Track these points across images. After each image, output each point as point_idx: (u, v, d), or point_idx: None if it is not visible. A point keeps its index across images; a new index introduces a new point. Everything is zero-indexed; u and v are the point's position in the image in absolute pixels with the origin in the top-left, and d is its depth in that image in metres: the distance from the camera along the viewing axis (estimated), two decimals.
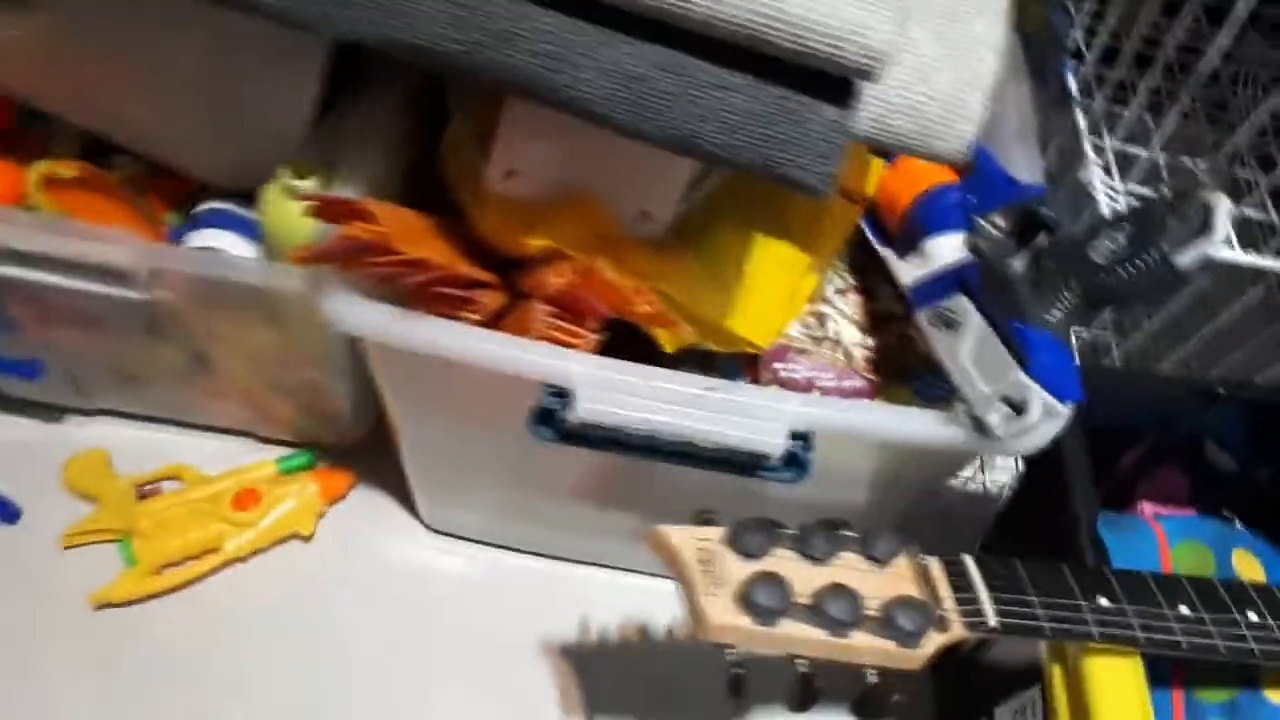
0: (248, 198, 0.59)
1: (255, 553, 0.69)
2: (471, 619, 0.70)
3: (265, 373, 0.65)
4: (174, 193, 0.60)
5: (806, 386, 0.56)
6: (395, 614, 0.69)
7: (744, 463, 0.48)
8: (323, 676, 0.66)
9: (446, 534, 0.73)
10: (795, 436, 0.47)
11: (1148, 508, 0.61)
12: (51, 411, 0.74)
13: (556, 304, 0.48)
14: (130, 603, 0.67)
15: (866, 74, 0.38)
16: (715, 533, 0.40)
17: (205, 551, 0.68)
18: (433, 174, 0.55)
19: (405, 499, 0.73)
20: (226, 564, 0.69)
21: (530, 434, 0.49)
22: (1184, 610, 0.43)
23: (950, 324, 0.49)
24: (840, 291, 0.60)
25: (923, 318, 0.51)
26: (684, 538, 0.40)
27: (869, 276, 0.62)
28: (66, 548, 0.69)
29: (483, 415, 0.55)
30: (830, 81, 0.39)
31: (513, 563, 0.72)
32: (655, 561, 0.69)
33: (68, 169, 0.55)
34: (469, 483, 0.66)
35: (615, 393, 0.47)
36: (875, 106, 0.45)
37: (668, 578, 0.70)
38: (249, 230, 0.57)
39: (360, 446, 0.74)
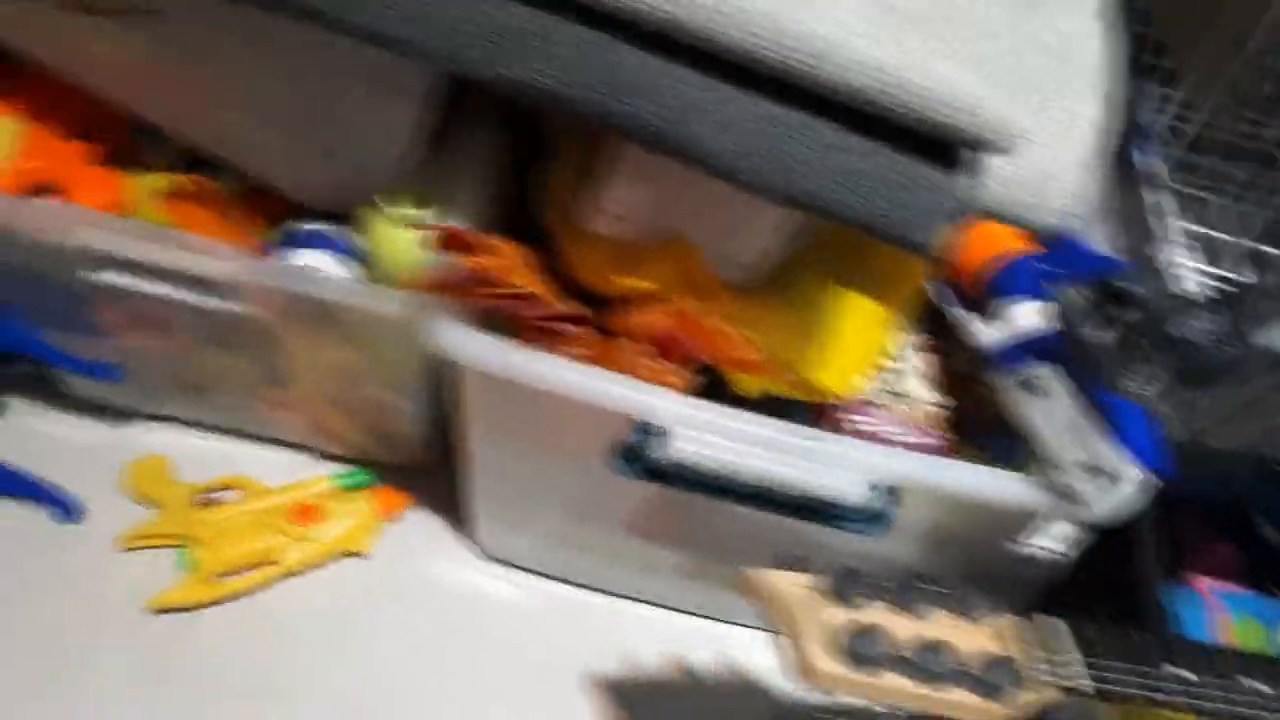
0: (341, 219, 0.60)
1: (311, 567, 0.70)
2: (518, 647, 0.70)
3: (337, 390, 0.67)
4: (269, 210, 0.61)
5: (880, 441, 0.57)
6: (443, 637, 0.70)
7: (827, 512, 0.49)
8: (368, 693, 0.66)
9: (500, 560, 0.73)
10: (882, 490, 0.48)
11: (1204, 582, 0.62)
12: (117, 414, 0.75)
13: (654, 344, 0.49)
14: (186, 609, 0.67)
15: (978, 144, 0.40)
16: (814, 580, 0.41)
17: (262, 563, 0.69)
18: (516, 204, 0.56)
19: (460, 522, 0.74)
20: (282, 576, 0.69)
21: (612, 468, 0.50)
22: (1261, 687, 0.43)
23: (1036, 390, 0.50)
24: (912, 348, 0.62)
25: (1005, 382, 0.52)
26: (784, 583, 0.40)
27: (939, 334, 0.63)
28: (124, 550, 0.69)
29: (564, 446, 0.56)
30: (942, 148, 0.41)
31: (563, 594, 0.73)
32: (706, 603, 0.70)
33: (186, 183, 0.57)
34: (531, 511, 0.67)
35: (708, 434, 0.48)
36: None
37: (715, 619, 0.72)
38: (343, 251, 0.59)
39: (417, 467, 0.75)
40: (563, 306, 0.47)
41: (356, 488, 0.73)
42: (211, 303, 0.56)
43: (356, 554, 0.71)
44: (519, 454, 0.59)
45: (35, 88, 0.58)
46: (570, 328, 0.48)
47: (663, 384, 0.48)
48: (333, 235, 0.58)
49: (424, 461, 0.75)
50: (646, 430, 0.48)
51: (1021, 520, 0.55)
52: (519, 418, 0.54)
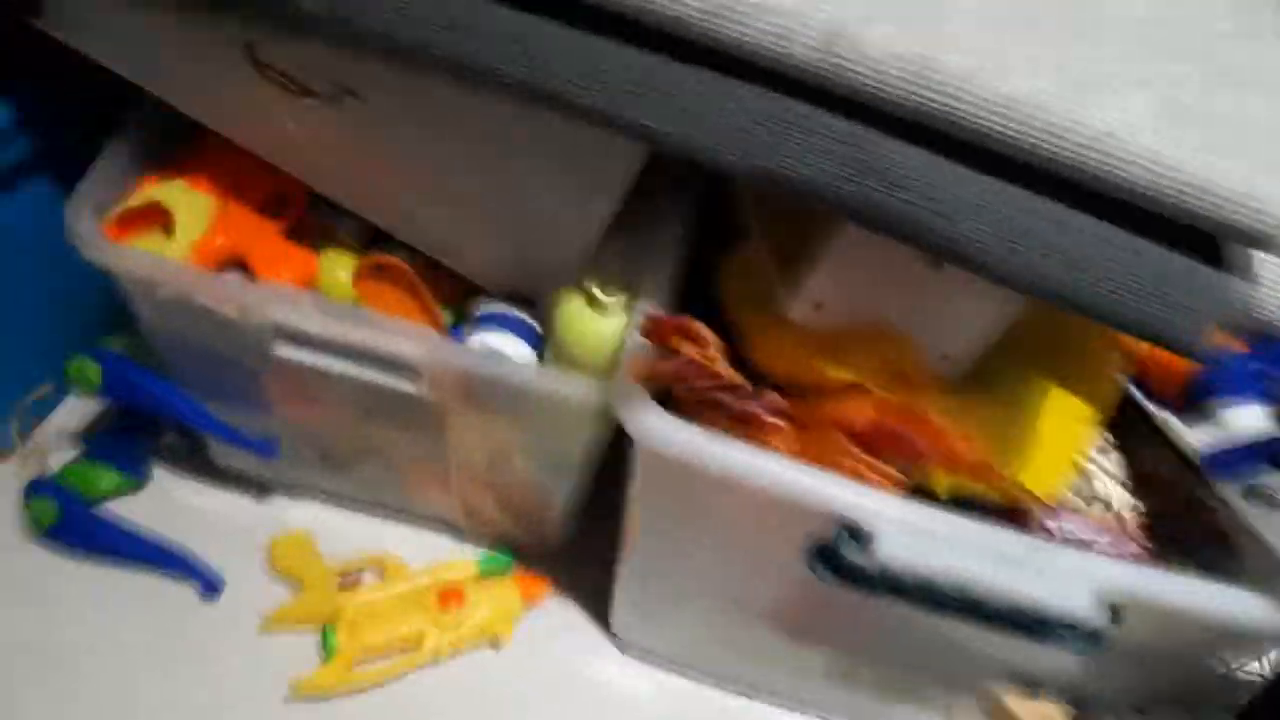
0: (522, 299, 0.60)
1: (452, 654, 0.68)
2: None
3: (494, 470, 0.65)
4: (450, 288, 0.61)
5: (1081, 548, 0.53)
6: None
7: (1044, 627, 0.46)
8: None
9: (639, 653, 0.71)
10: (1105, 604, 0.45)
11: None
12: (260, 488, 0.75)
13: (856, 437, 0.47)
14: (326, 695, 0.65)
15: (1259, 241, 0.38)
16: (1063, 712, 0.38)
17: (405, 648, 0.67)
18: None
19: (598, 611, 0.71)
20: (423, 664, 0.67)
21: (806, 569, 0.48)
22: None
23: (1267, 500, 0.47)
24: (1101, 450, 0.59)
25: (1231, 491, 0.49)
26: (1034, 713, 0.37)
27: (1126, 435, 0.60)
28: (266, 631, 0.68)
29: (743, 541, 0.54)
30: (1213, 244, 0.39)
31: (704, 695, 0.70)
32: (851, 706, 0.66)
33: (373, 261, 0.57)
34: (683, 604, 0.64)
35: (921, 537, 0.45)
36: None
37: None
38: (525, 333, 0.58)
39: (555, 551, 0.73)
40: (769, 397, 0.46)
41: (497, 571, 0.71)
42: (391, 381, 0.55)
43: (498, 642, 0.69)
44: (687, 545, 0.57)
45: (226, 163, 0.59)
46: (775, 419, 0.46)
47: (871, 481, 0.46)
48: (515, 317, 0.58)
49: (562, 545, 0.73)
50: (850, 531, 0.46)
51: (1246, 640, 0.51)
52: (699, 508, 0.52)
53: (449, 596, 0.68)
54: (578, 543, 0.72)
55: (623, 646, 0.71)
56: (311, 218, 0.61)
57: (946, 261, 0.40)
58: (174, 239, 0.56)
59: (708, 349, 0.44)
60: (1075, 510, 0.55)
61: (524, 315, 0.58)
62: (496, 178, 0.54)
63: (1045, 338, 0.51)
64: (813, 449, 0.48)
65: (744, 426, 0.48)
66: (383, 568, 0.71)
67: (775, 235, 0.51)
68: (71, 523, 0.68)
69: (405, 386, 0.56)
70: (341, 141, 0.55)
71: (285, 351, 0.56)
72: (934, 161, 0.38)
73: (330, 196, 0.59)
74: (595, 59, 0.39)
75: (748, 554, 0.54)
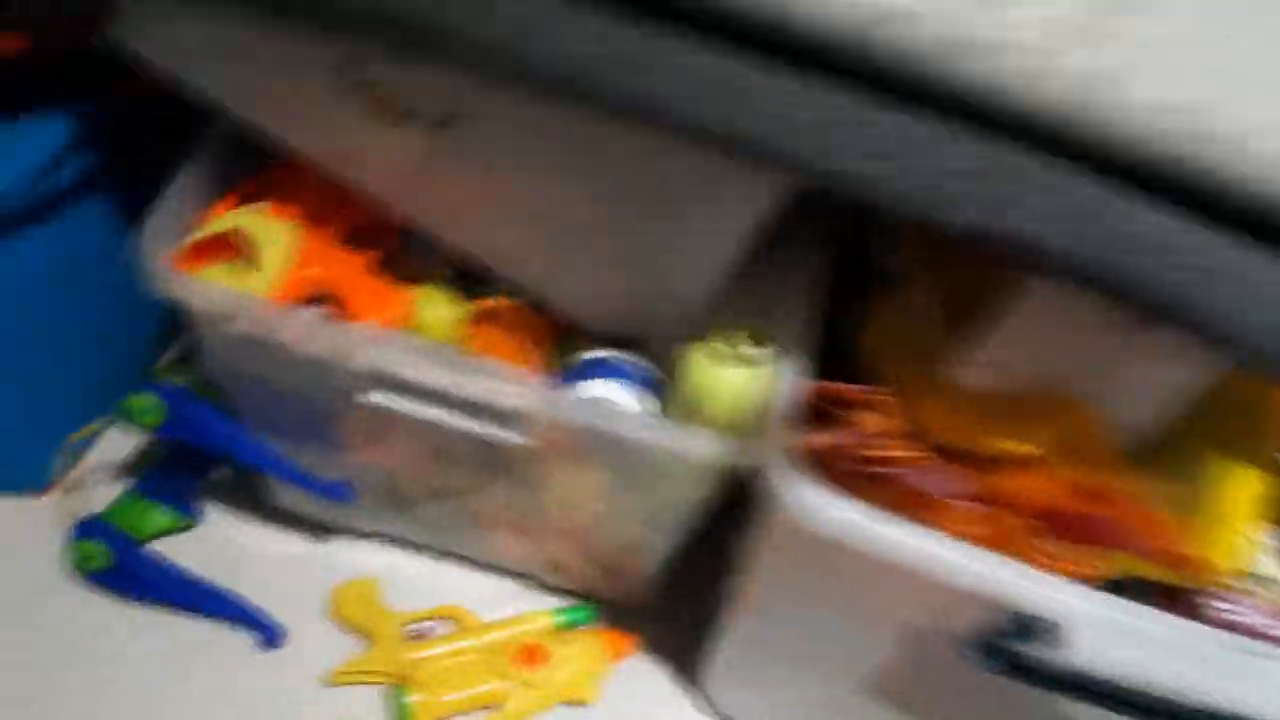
0: (628, 344, 0.55)
1: (535, 716, 0.63)
2: None
3: (587, 524, 0.60)
4: (548, 330, 0.56)
5: (1252, 634, 0.49)
6: None
7: None
8: None
9: (732, 715, 0.66)
10: None
11: None
12: (317, 528, 0.69)
13: (1042, 519, 0.42)
14: None
15: None
16: None
17: (485, 709, 0.62)
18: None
19: (684, 668, 0.67)
20: None
21: (969, 659, 0.43)
22: None
23: None
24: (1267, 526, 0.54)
25: None
26: None
27: None
28: (330, 685, 0.63)
29: (887, 621, 0.48)
30: None
31: None
32: None
33: (496, 305, 0.52)
34: (796, 674, 0.59)
35: (1113, 634, 0.41)
36: None
37: None
38: (641, 382, 0.53)
39: (637, 605, 0.68)
40: (958, 477, 0.41)
41: (577, 625, 0.66)
42: (496, 433, 0.50)
43: (581, 703, 0.64)
44: (813, 617, 0.52)
45: (310, 191, 0.54)
46: (959, 501, 0.41)
47: (1058, 571, 0.41)
48: (628, 364, 0.53)
49: (645, 599, 0.68)
50: (1031, 624, 0.41)
51: None
52: (841, 585, 0.47)
53: (531, 653, 0.63)
54: (663, 595, 0.67)
55: (714, 708, 0.66)
56: (400, 251, 0.56)
57: (1184, 331, 0.35)
58: (257, 271, 0.51)
59: (888, 419, 0.39)
60: (1241, 591, 0.50)
61: (636, 361, 0.53)
62: (616, 212, 0.49)
63: (1231, 405, 0.47)
64: (989, 531, 0.43)
65: (913, 504, 0.43)
66: (454, 619, 0.66)
67: (943, 286, 0.46)
68: (123, 566, 0.62)
69: (512, 438, 0.50)
70: (441, 170, 0.50)
71: (379, 398, 0.50)
72: (1184, 228, 0.33)
73: (425, 228, 0.53)
74: (791, 99, 0.34)
75: (888, 634, 0.49)
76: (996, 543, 0.42)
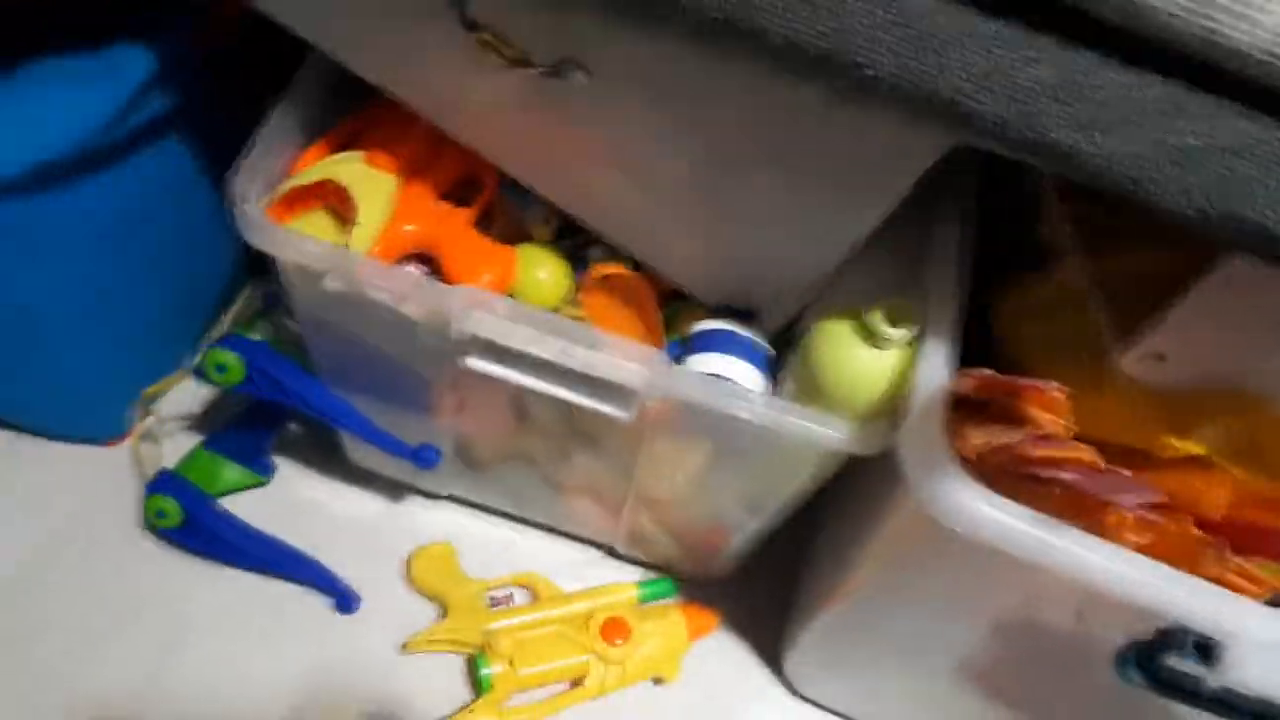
0: (737, 314, 0.51)
1: (616, 690, 0.61)
2: None
3: (679, 501, 0.58)
4: (655, 297, 0.52)
5: None
6: None
7: None
8: None
9: (810, 701, 0.64)
10: None
11: None
12: (393, 488, 0.67)
13: (1214, 528, 0.39)
14: None
15: None
16: None
17: (566, 683, 0.60)
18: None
19: (766, 648, 0.65)
20: (586, 699, 0.60)
21: (1114, 670, 0.40)
22: None
23: None
24: None
25: None
26: None
27: None
28: (410, 652, 0.61)
29: (1023, 624, 0.46)
30: None
31: None
32: None
33: (612, 272, 0.48)
34: (885, 664, 0.57)
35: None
36: None
37: None
38: (755, 357, 0.50)
39: (722, 581, 0.66)
40: (1143, 487, 0.38)
41: (660, 598, 0.64)
42: (602, 406, 0.47)
43: (661, 680, 0.62)
44: (928, 610, 0.50)
45: (409, 139, 0.50)
46: (1124, 508, 0.38)
47: (1232, 586, 0.38)
48: (742, 337, 0.50)
49: (727, 575, 0.66)
50: (1195, 641, 0.38)
51: None
52: (977, 585, 0.44)
53: (614, 627, 0.61)
54: (744, 570, 0.65)
55: (795, 689, 0.64)
56: (502, 205, 0.52)
57: None
58: (354, 224, 0.47)
59: (1059, 415, 0.35)
60: None
61: (751, 334, 0.50)
62: (744, 175, 0.45)
63: None
64: (1156, 540, 0.39)
65: (1075, 508, 0.39)
66: (532, 588, 0.64)
67: (1104, 265, 0.42)
68: (196, 523, 0.60)
69: (620, 414, 0.47)
70: (556, 122, 0.46)
71: (478, 365, 0.48)
72: None
73: (530, 184, 0.50)
74: (995, 52, 0.30)
75: (1018, 636, 0.46)
76: (1163, 553, 0.39)
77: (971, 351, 0.46)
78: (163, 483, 0.61)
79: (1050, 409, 0.36)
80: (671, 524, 0.61)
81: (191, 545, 0.62)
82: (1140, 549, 0.38)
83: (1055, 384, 0.37)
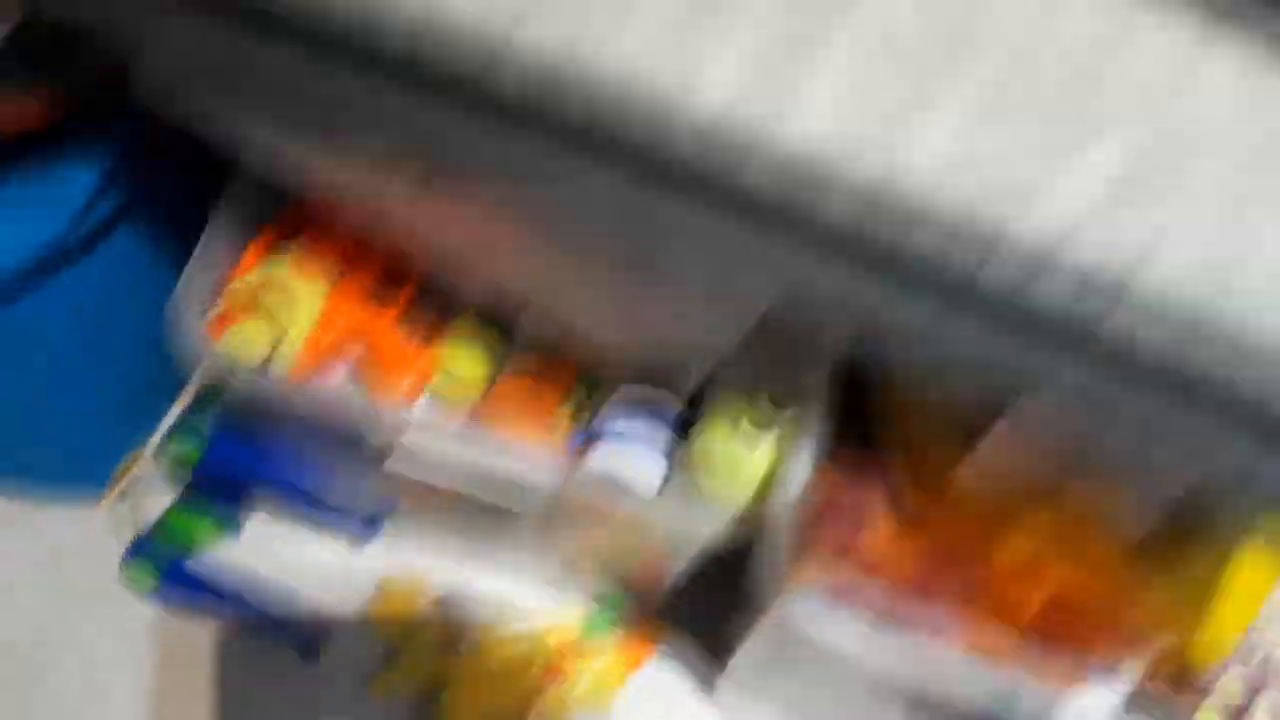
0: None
1: None
2: None
3: (606, 552, 0.63)
4: (569, 378, 0.57)
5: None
6: None
7: None
8: None
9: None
10: None
11: None
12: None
13: (1026, 615, 0.43)
14: None
15: None
16: None
17: (516, 712, 0.66)
18: None
19: (703, 677, 0.70)
20: None
21: None
22: None
23: None
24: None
25: None
26: None
27: None
28: (372, 692, 0.67)
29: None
30: None
31: None
32: None
33: (519, 358, 0.53)
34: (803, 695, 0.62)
35: None
36: None
37: None
38: (655, 437, 0.54)
39: (660, 609, 0.70)
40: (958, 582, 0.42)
41: (605, 629, 0.69)
42: (507, 499, 0.52)
43: (600, 711, 0.68)
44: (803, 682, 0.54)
45: (333, 240, 0.54)
46: (955, 608, 0.42)
47: (1055, 683, 0.42)
48: (644, 429, 0.54)
49: (667, 605, 0.70)
50: None
51: None
52: (832, 674, 0.49)
53: (555, 666, 0.66)
54: (688, 597, 0.69)
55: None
56: (426, 296, 0.56)
57: None
58: (287, 330, 0.52)
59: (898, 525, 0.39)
60: (1247, 668, 0.51)
61: (654, 422, 0.54)
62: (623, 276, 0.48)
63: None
64: (982, 641, 0.44)
65: (908, 610, 0.44)
66: (486, 624, 0.70)
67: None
68: (169, 583, 0.66)
69: (523, 507, 0.52)
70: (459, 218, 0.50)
71: (398, 467, 0.52)
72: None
73: (450, 276, 0.54)
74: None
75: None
76: (989, 651, 0.44)
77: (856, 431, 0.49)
78: (137, 548, 0.66)
79: (884, 515, 0.40)
80: (607, 569, 0.66)
81: (168, 603, 0.67)
82: (969, 649, 0.43)
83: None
